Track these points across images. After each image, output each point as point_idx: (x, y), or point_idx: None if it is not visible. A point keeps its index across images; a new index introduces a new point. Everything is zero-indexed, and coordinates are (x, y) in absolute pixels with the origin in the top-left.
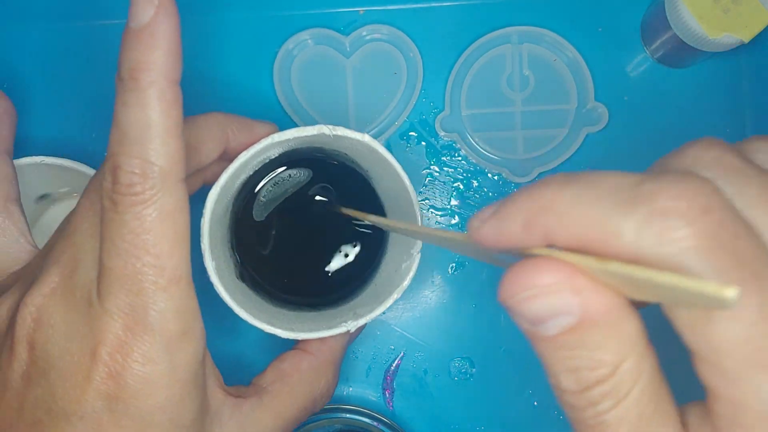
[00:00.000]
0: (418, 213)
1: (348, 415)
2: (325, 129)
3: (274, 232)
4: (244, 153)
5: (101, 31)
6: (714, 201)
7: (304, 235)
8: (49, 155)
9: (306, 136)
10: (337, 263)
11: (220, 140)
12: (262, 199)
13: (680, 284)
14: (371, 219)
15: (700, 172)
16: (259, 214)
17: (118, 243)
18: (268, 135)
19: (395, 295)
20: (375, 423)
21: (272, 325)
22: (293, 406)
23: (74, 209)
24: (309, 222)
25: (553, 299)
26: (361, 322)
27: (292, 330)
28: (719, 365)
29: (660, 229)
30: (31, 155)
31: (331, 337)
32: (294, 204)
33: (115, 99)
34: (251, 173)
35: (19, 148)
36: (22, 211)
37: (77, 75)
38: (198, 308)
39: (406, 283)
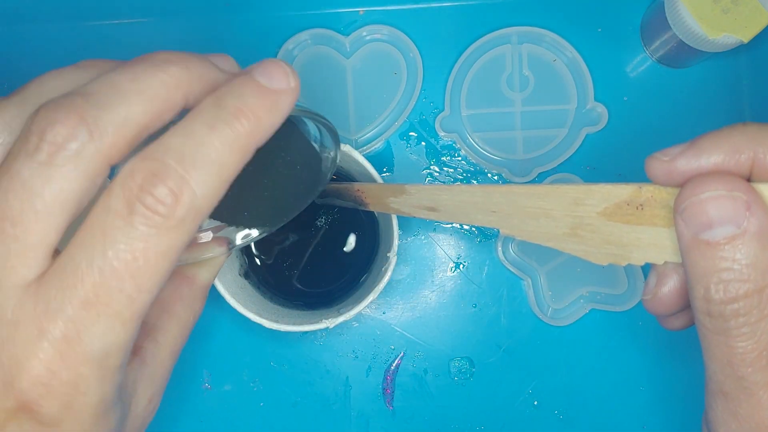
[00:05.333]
0: (394, 220)
1: None
2: None
3: (278, 240)
4: None
5: (101, 31)
6: None
7: (307, 243)
8: None
9: None
10: (335, 267)
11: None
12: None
13: None
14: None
15: None
16: None
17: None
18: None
19: (371, 296)
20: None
21: (260, 315)
22: (182, 336)
23: None
24: (312, 231)
25: (727, 205)
26: (341, 319)
27: (277, 322)
28: None
29: None
30: None
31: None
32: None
33: (196, 115)
34: None
35: None
36: None
37: None
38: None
39: (381, 285)
